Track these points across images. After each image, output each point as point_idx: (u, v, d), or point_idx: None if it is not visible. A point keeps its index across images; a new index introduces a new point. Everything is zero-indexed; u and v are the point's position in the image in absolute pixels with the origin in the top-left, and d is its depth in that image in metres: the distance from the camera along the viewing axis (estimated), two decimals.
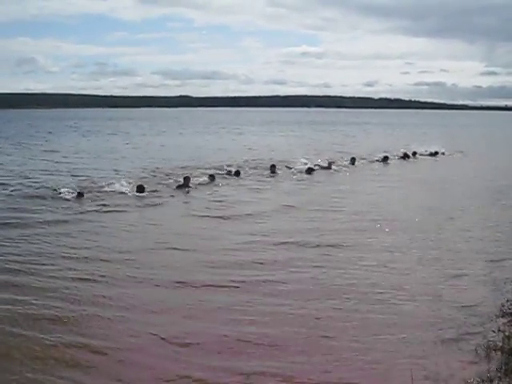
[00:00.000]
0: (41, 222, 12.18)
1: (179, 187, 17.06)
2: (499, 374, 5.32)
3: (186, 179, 17.42)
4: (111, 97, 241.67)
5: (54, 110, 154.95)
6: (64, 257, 9.54)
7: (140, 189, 16.06)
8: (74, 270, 8.80)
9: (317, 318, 6.96)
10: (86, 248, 10.09)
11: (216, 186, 17.81)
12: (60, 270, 8.81)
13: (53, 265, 9.07)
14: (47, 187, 16.74)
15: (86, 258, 9.46)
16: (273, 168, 21.07)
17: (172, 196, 15.97)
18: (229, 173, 20.18)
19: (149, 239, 11.00)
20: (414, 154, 27.65)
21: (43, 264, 9.11)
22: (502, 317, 6.83)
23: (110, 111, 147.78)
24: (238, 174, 19.95)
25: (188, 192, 16.54)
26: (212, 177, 18.75)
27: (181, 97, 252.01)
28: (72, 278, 8.37)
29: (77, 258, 9.48)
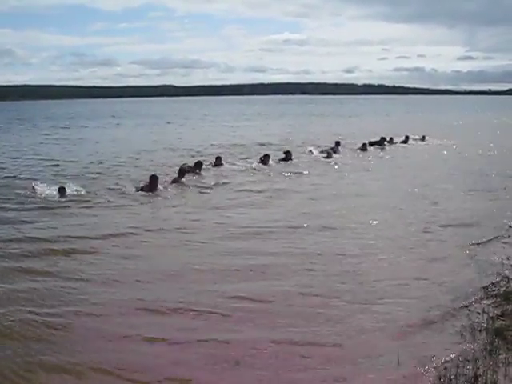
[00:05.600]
0: None
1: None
2: (484, 354, 5.44)
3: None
4: (93, 87, 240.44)
5: (32, 102, 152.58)
6: None
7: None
8: None
9: (301, 302, 7.01)
10: None
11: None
12: None
13: None
14: None
15: None
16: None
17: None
18: None
19: None
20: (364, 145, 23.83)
21: None
22: (487, 299, 6.95)
23: (88, 102, 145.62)
24: None
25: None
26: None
27: (164, 86, 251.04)
28: None
29: None
